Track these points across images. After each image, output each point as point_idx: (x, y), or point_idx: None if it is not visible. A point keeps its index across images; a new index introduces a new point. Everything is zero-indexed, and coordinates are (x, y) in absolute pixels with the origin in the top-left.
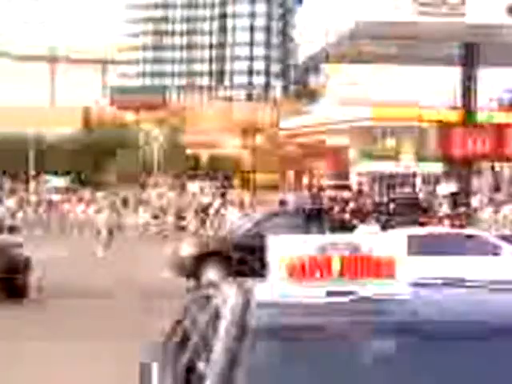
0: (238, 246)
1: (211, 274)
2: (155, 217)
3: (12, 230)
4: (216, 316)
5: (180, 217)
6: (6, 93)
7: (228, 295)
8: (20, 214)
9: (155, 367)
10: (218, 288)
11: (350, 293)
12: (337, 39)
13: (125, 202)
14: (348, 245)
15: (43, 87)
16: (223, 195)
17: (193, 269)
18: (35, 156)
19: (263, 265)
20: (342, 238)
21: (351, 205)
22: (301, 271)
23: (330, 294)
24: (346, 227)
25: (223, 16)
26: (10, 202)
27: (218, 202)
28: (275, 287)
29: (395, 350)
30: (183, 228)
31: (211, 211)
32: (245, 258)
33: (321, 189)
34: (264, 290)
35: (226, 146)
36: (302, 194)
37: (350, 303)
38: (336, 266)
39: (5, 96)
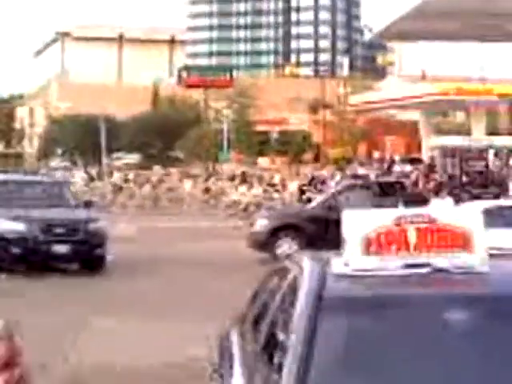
0: (312, 218)
1: (285, 246)
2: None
3: (88, 204)
4: (293, 287)
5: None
6: (77, 72)
7: (305, 267)
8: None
9: (235, 337)
10: (295, 260)
11: (427, 265)
12: (405, 16)
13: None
14: (423, 218)
15: (111, 67)
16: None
17: (267, 242)
18: (106, 134)
19: (338, 238)
20: (417, 211)
21: (424, 178)
22: (377, 244)
23: (406, 266)
24: (419, 201)
25: None
26: (82, 178)
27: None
28: (352, 260)
29: (471, 322)
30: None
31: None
32: (319, 231)
33: (393, 162)
34: (340, 263)
35: (294, 123)
36: (373, 167)
37: (426, 275)
38: (412, 238)
39: (76, 75)
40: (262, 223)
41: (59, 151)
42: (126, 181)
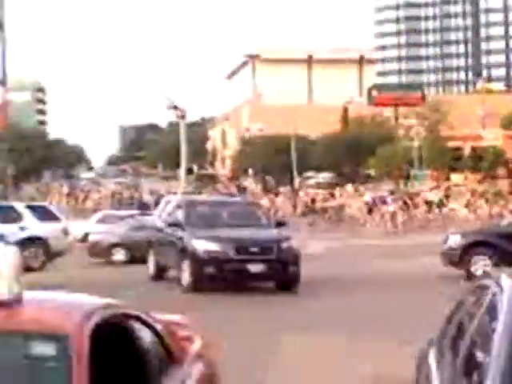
0: (506, 235)
1: (479, 263)
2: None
3: (279, 224)
4: (493, 306)
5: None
6: (268, 94)
7: (504, 285)
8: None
9: (433, 357)
10: (493, 278)
11: None
12: None
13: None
14: None
15: (301, 87)
16: None
17: (461, 259)
18: (297, 153)
19: None
20: None
21: None
22: None
23: None
24: None
25: (476, 12)
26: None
27: None
28: None
29: None
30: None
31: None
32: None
33: None
34: None
35: (487, 139)
36: None
37: None
38: None
39: (267, 96)
40: (455, 240)
41: (250, 171)
42: (313, 201)
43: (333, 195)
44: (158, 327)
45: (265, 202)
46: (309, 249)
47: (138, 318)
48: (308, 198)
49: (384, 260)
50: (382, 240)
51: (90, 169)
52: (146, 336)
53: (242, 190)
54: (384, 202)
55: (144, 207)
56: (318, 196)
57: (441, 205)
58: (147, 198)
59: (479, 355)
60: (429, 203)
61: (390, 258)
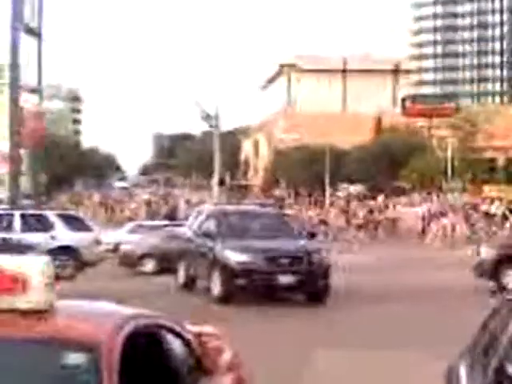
0: None
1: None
2: None
3: (311, 235)
4: None
5: None
6: (303, 104)
7: None
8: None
9: (463, 369)
10: None
11: None
12: None
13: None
14: None
15: (336, 97)
16: None
17: (494, 271)
18: (330, 164)
19: None
20: None
21: None
22: None
23: None
24: None
25: None
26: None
27: None
28: None
29: None
30: None
31: None
32: None
33: None
34: None
35: None
36: None
37: None
38: None
39: (301, 106)
40: (488, 252)
41: (283, 182)
42: (371, 212)
43: (387, 206)
44: (189, 338)
45: (312, 213)
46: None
47: (169, 329)
48: (364, 209)
49: (433, 271)
50: (441, 252)
51: (123, 178)
52: (177, 347)
53: (280, 200)
54: (442, 214)
55: (171, 217)
56: (374, 207)
57: (503, 218)
58: (182, 207)
59: (511, 368)
60: (490, 216)
61: (440, 271)
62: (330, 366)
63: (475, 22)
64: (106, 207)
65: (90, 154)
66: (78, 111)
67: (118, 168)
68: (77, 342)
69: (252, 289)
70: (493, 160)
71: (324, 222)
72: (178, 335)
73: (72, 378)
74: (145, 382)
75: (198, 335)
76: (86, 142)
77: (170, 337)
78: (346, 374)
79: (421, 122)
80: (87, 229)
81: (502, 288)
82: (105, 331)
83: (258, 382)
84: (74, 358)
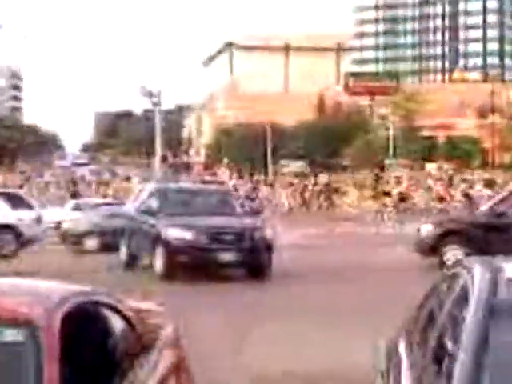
0: (479, 224)
1: (452, 253)
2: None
3: (254, 212)
4: (464, 294)
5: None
6: (245, 82)
7: (476, 273)
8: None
9: (403, 346)
10: (465, 266)
11: None
12: None
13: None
14: None
15: (278, 75)
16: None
17: (434, 248)
18: (272, 142)
19: (506, 244)
20: None
21: None
22: None
23: None
24: None
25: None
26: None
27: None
28: None
29: None
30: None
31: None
32: (486, 237)
33: None
34: None
35: (462, 128)
36: None
37: None
38: None
39: (244, 84)
40: (427, 229)
41: (225, 160)
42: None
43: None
44: (130, 314)
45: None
46: (284, 237)
47: (109, 306)
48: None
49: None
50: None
51: (64, 156)
52: (117, 323)
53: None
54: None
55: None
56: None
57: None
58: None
59: (449, 345)
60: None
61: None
62: (269, 342)
63: (417, 0)
64: (45, 185)
65: (31, 132)
66: (18, 88)
67: (59, 146)
68: (15, 319)
69: (194, 266)
70: (433, 138)
71: (270, 201)
72: (118, 312)
73: (10, 355)
74: (85, 359)
75: (139, 312)
76: (27, 119)
77: (110, 313)
78: (286, 350)
79: (363, 101)
80: (28, 207)
81: (442, 264)
82: (44, 308)
83: (197, 355)
84: (12, 336)
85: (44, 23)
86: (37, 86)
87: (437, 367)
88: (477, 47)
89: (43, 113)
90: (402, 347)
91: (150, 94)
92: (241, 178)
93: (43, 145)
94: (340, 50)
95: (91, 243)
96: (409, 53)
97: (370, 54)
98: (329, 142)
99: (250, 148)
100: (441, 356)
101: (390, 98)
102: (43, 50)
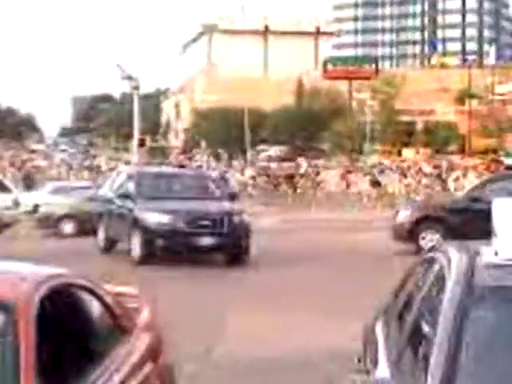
0: (456, 209)
1: (429, 238)
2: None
3: (232, 197)
4: (440, 277)
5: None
6: (223, 65)
7: (453, 257)
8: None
9: (380, 329)
10: (442, 251)
11: None
12: None
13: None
14: None
15: (257, 59)
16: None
17: (411, 233)
18: (251, 126)
19: (482, 228)
20: None
21: None
22: None
23: None
24: None
25: None
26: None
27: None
28: (502, 249)
29: None
30: None
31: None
32: (463, 222)
33: None
34: (490, 252)
35: (440, 113)
36: None
37: None
38: None
39: (222, 68)
40: (405, 214)
41: (204, 144)
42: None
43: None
44: (107, 298)
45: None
46: (262, 222)
47: (87, 289)
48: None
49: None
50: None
51: (42, 140)
52: (95, 307)
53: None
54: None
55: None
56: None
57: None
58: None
59: (425, 328)
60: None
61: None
62: (242, 327)
63: None
64: (17, 168)
65: (7, 115)
66: None
67: (36, 129)
68: None
69: (172, 250)
70: (412, 123)
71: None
72: (96, 295)
73: None
74: (62, 343)
75: (117, 295)
76: (3, 102)
77: (88, 297)
78: (256, 335)
79: (342, 85)
80: (5, 190)
81: (419, 250)
82: (21, 290)
83: (173, 339)
84: None
85: (20, 4)
86: (13, 68)
87: (413, 351)
88: (455, 33)
89: (20, 96)
90: (378, 329)
91: (129, 77)
92: (218, 162)
93: (21, 127)
94: (318, 34)
95: (68, 227)
96: (387, 37)
97: (349, 39)
98: (308, 127)
99: (228, 132)
100: (418, 338)
101: (368, 82)
102: (19, 32)
